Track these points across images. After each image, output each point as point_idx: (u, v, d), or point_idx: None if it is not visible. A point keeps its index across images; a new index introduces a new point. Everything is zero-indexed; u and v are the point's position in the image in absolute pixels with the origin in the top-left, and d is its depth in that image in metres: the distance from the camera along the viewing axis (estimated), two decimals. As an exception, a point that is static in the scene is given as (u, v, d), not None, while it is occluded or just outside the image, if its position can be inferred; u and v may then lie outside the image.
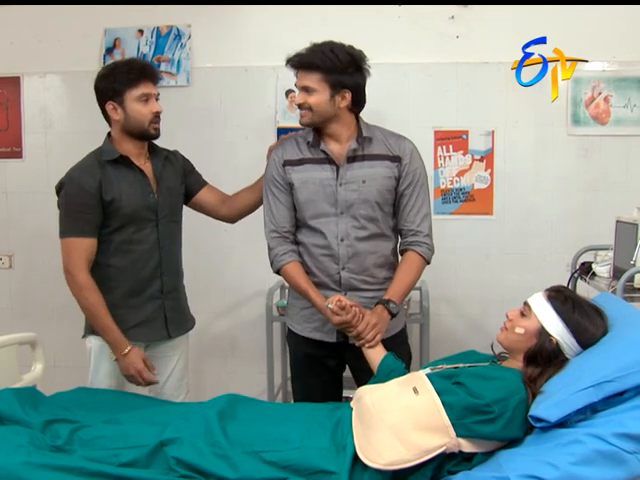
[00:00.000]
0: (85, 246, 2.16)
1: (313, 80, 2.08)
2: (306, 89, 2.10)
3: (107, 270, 2.23)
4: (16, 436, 1.65)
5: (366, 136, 2.15)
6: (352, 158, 2.15)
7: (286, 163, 2.21)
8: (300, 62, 2.10)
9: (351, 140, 2.15)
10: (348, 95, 2.10)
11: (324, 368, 2.26)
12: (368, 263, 2.17)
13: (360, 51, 2.12)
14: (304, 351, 2.28)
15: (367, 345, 2.06)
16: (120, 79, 2.17)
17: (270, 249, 2.25)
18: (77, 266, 2.15)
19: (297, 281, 2.19)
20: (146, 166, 2.28)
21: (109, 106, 2.21)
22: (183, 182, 2.40)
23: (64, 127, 3.44)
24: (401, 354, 2.10)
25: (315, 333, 2.22)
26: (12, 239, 3.51)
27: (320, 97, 2.08)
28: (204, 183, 2.48)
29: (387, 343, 2.11)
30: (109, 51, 3.38)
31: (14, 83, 3.46)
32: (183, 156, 2.46)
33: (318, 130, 2.18)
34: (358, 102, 2.15)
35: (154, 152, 2.33)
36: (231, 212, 2.49)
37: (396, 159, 2.15)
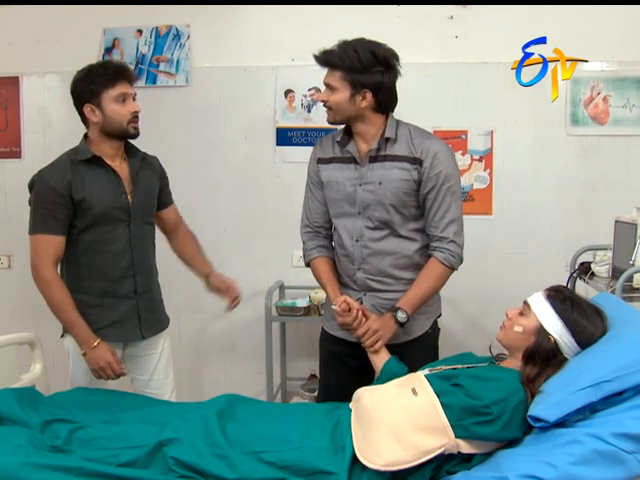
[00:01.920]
0: (52, 243, 2.16)
1: (335, 78, 2.06)
2: (329, 86, 2.09)
3: (79, 269, 2.24)
4: (15, 436, 1.65)
5: (388, 137, 2.10)
6: (374, 158, 2.12)
7: (319, 161, 2.22)
8: (321, 59, 2.08)
9: (375, 140, 2.12)
10: (369, 95, 2.06)
11: (345, 367, 2.22)
12: (385, 264, 2.13)
13: (388, 50, 2.07)
14: (328, 347, 2.29)
15: (367, 350, 2.06)
16: (97, 80, 2.17)
17: (303, 244, 2.28)
18: (43, 262, 2.15)
19: (319, 276, 2.21)
20: (121, 167, 2.28)
21: (87, 108, 2.20)
22: (158, 186, 2.41)
23: (63, 127, 3.44)
24: (421, 359, 2.04)
25: (339, 331, 2.19)
26: (11, 239, 3.51)
27: (340, 96, 2.06)
28: (171, 201, 2.51)
29: (405, 347, 2.10)
30: (108, 51, 3.38)
31: (13, 83, 3.46)
32: (162, 166, 2.47)
33: (349, 128, 2.16)
34: (383, 102, 2.10)
35: (131, 152, 2.32)
36: (172, 246, 2.54)
37: (416, 161, 2.08)
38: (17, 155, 3.49)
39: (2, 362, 2.16)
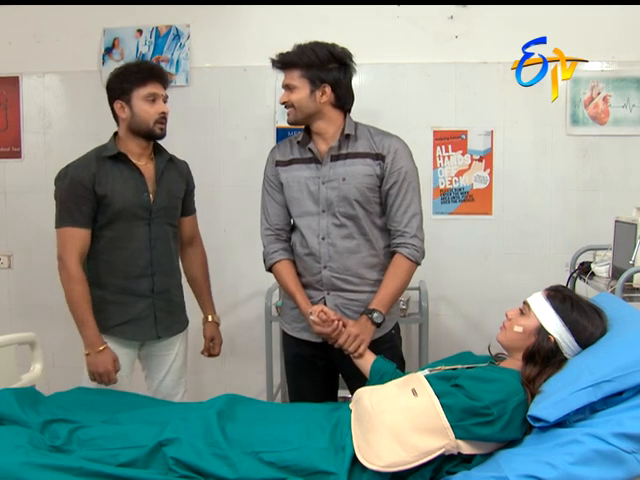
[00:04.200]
0: (79, 236, 2.19)
1: (293, 77, 2.12)
2: (288, 87, 2.14)
3: (99, 265, 2.26)
4: (15, 436, 1.65)
5: (348, 134, 2.14)
6: (336, 156, 2.15)
7: (278, 163, 2.24)
8: (280, 61, 2.14)
9: (335, 138, 2.16)
10: (328, 90, 2.11)
11: (314, 368, 2.25)
12: (351, 263, 2.15)
13: (343, 49, 2.14)
14: (294, 351, 2.30)
15: (352, 356, 2.06)
16: (129, 78, 2.21)
17: (263, 247, 2.27)
18: (69, 255, 2.18)
19: (285, 281, 2.21)
20: (147, 167, 2.30)
21: (117, 104, 2.24)
22: (184, 190, 2.42)
23: (63, 127, 3.44)
24: (388, 358, 2.07)
25: (303, 333, 2.22)
26: (11, 239, 3.51)
27: (301, 93, 2.11)
28: (192, 212, 2.51)
29: (371, 347, 2.10)
30: (108, 51, 3.38)
31: (13, 83, 3.46)
32: (190, 172, 2.48)
33: (308, 129, 2.19)
34: (341, 98, 2.15)
35: (159, 153, 2.35)
36: (182, 263, 2.52)
37: (379, 157, 2.13)
38: (17, 155, 3.49)
39: (2, 362, 2.16)
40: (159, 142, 2.36)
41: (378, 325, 2.08)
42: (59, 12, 3.35)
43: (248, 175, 3.37)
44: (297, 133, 2.28)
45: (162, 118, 2.25)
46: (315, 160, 2.17)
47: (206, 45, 3.35)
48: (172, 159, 2.39)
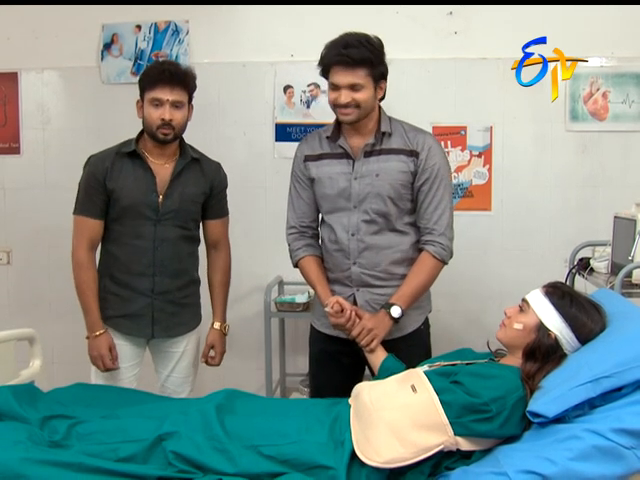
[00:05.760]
0: (88, 225, 2.25)
1: (360, 76, 2.01)
2: (353, 86, 2.01)
3: (109, 256, 2.32)
4: (14, 432, 1.64)
5: (384, 131, 2.12)
6: (369, 152, 2.12)
7: (307, 158, 2.20)
8: (351, 58, 1.98)
9: (372, 134, 2.12)
10: (384, 85, 2.09)
11: (338, 365, 2.22)
12: (380, 259, 2.13)
13: (378, 37, 2.07)
14: (320, 347, 2.28)
15: (364, 349, 2.06)
16: (145, 79, 2.22)
17: (288, 245, 2.28)
18: (78, 243, 2.26)
19: (308, 276, 2.21)
20: (164, 167, 2.29)
21: (138, 103, 2.26)
22: (205, 194, 2.37)
23: (62, 123, 3.44)
24: (413, 356, 2.05)
25: (331, 329, 2.17)
26: (10, 235, 3.50)
27: (367, 93, 2.03)
28: (217, 215, 2.45)
29: (397, 343, 2.10)
30: (107, 47, 3.37)
31: (12, 79, 3.45)
32: (223, 175, 2.45)
33: (339, 124, 2.15)
34: (385, 92, 2.13)
35: (183, 154, 2.33)
36: (207, 262, 2.51)
37: (413, 153, 2.10)
38: (16, 151, 3.48)
39: (1, 358, 2.15)
40: (186, 141, 2.35)
41: (396, 320, 2.06)
42: (58, 8, 3.34)
43: (247, 171, 3.38)
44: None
45: (164, 124, 2.20)
46: (346, 155, 2.14)
47: (205, 41, 3.35)
48: (198, 160, 2.36)
